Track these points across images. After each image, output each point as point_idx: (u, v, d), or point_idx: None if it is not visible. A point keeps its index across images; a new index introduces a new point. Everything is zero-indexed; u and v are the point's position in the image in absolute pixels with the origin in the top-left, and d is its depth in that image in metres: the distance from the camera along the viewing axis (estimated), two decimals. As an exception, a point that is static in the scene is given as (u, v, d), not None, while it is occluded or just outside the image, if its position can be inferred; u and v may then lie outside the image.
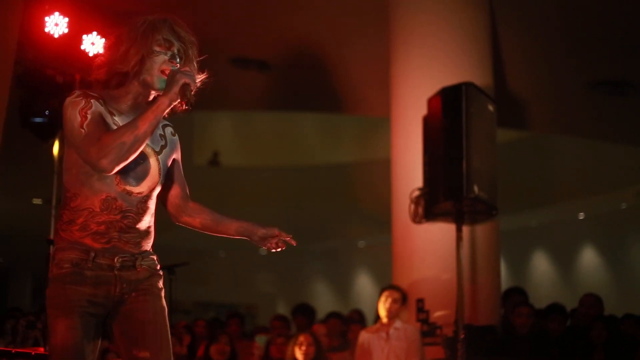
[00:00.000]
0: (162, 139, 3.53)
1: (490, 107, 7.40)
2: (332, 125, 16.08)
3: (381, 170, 10.26)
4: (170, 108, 3.32)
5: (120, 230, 3.39)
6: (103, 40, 9.29)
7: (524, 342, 7.75)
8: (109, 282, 3.40)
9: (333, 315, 9.87)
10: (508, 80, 10.62)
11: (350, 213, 16.99)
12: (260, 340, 9.32)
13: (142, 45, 3.39)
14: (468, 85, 7.18)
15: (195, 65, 3.48)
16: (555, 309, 8.61)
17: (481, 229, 8.04)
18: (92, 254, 3.38)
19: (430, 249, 8.08)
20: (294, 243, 3.55)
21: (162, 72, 3.39)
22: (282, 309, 17.21)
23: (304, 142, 16.61)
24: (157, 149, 3.49)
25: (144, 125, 3.24)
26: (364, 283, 20.68)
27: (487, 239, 8.23)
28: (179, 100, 3.30)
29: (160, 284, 3.55)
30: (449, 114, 7.09)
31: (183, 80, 3.29)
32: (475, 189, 6.86)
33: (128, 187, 3.38)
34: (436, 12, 8.64)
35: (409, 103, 8.42)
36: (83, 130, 3.27)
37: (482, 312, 8.10)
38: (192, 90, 3.30)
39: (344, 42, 10.57)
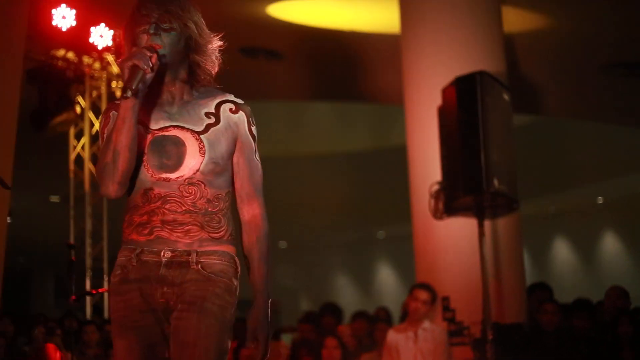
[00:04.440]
0: (209, 117, 3.20)
1: (506, 96, 7.30)
2: (345, 113, 15.97)
3: (396, 158, 10.20)
4: (135, 97, 3.03)
5: (163, 216, 3.11)
6: (112, 32, 9.32)
7: (551, 339, 7.62)
8: (151, 285, 3.09)
9: (359, 315, 9.79)
10: (520, 65, 10.50)
11: (367, 202, 16.92)
12: (286, 338, 9.27)
13: (129, 31, 3.19)
14: (482, 74, 7.07)
15: (192, 23, 3.19)
16: (581, 304, 8.48)
17: (503, 223, 7.92)
18: (137, 250, 3.13)
19: (452, 244, 7.98)
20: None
21: None
22: (305, 304, 17.19)
23: (317, 130, 16.52)
24: (199, 128, 3.16)
25: (117, 135, 3.06)
26: (386, 275, 20.67)
27: (509, 233, 8.13)
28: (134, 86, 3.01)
29: (220, 291, 3.11)
30: (464, 104, 6.98)
31: (129, 64, 3.00)
32: (495, 182, 6.76)
33: (164, 175, 3.12)
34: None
35: (423, 92, 8.30)
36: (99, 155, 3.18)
37: (508, 309, 8.02)
38: (147, 67, 3.01)
39: (356, 29, 10.49)
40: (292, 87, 12.84)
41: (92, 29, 9.41)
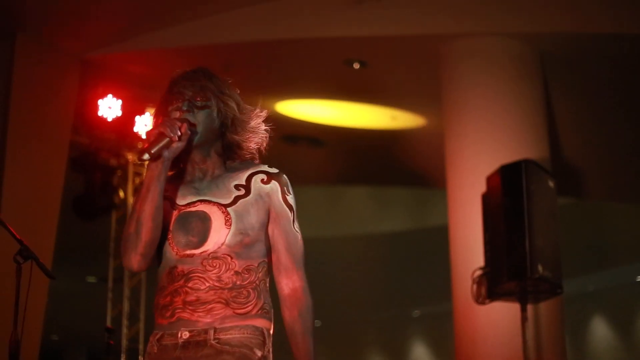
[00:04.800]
0: (238, 189, 3.02)
1: (550, 183, 7.30)
2: (381, 195, 16.06)
3: (432, 239, 10.22)
4: (161, 166, 2.92)
5: (186, 296, 2.91)
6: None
7: None
8: None
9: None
10: (563, 150, 10.52)
11: (403, 282, 16.91)
12: None
13: (162, 111, 3.07)
14: (527, 162, 7.09)
15: (230, 100, 3.06)
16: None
17: (545, 306, 7.88)
18: (159, 335, 2.95)
19: (493, 328, 7.94)
20: None
21: None
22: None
23: (355, 211, 16.59)
24: (226, 201, 2.99)
25: (140, 205, 2.92)
26: (420, 353, 20.50)
27: (551, 316, 8.08)
28: (162, 157, 2.90)
29: (233, 359, 2.86)
30: (509, 192, 6.98)
31: (155, 132, 2.89)
32: (540, 268, 6.73)
33: (188, 251, 2.94)
34: (489, 85, 8.63)
35: (466, 178, 8.38)
36: None
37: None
38: (175, 135, 2.88)
39: (396, 115, 10.59)
40: (331, 172, 12.92)
41: (137, 117, 9.55)
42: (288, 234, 3.05)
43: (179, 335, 2.90)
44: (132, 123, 9.55)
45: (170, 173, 3.06)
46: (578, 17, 8.55)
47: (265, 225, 3.03)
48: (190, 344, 2.88)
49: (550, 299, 7.60)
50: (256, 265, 2.97)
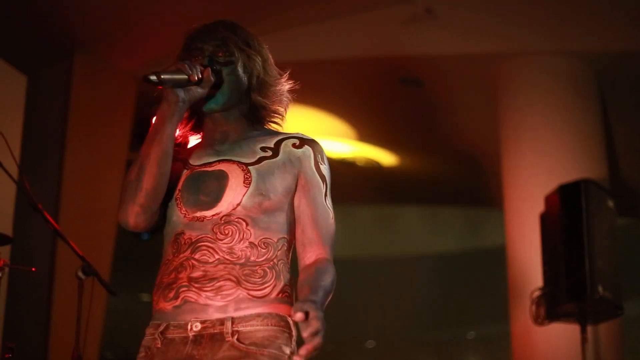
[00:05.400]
0: (264, 150, 2.61)
1: (610, 203, 7.23)
2: (436, 215, 16.02)
3: (487, 260, 10.15)
4: (175, 107, 2.54)
5: (192, 270, 2.44)
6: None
7: None
8: None
9: None
10: (622, 170, 10.41)
11: (458, 303, 16.82)
12: None
13: None
14: (587, 182, 7.04)
15: (258, 56, 2.68)
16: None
17: (605, 328, 7.79)
18: (162, 326, 2.48)
19: (552, 349, 7.86)
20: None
21: None
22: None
23: (407, 232, 16.55)
24: (249, 160, 2.58)
25: (146, 147, 2.54)
26: (476, 378, 20.34)
27: (611, 339, 7.99)
28: (176, 94, 2.53)
29: None
30: (568, 212, 6.93)
31: (172, 67, 2.53)
32: (600, 289, 6.67)
33: (199, 214, 2.50)
34: (547, 104, 8.57)
35: (524, 198, 8.33)
36: None
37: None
38: (195, 74, 2.52)
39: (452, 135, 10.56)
40: (384, 192, 12.90)
41: (192, 137, 9.59)
42: (317, 206, 2.59)
43: (189, 327, 2.43)
44: (188, 142, 9.59)
45: (194, 141, 2.74)
46: (636, 35, 8.47)
47: (292, 193, 2.58)
48: (204, 337, 2.42)
49: (610, 320, 7.53)
50: (275, 240, 2.51)
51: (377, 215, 16.00)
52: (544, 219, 7.39)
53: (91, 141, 8.51)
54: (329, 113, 10.04)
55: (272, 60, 2.73)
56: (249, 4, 8.13)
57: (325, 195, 2.61)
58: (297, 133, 2.69)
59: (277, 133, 2.71)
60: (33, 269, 4.81)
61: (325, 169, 2.64)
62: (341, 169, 10.97)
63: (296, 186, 2.58)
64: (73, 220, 7.99)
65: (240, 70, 2.62)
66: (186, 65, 2.50)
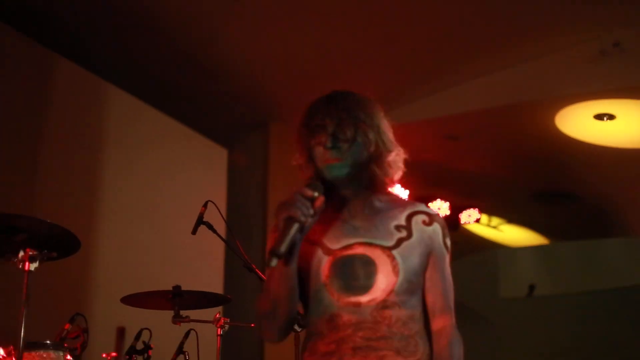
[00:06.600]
0: (399, 230, 2.77)
1: None
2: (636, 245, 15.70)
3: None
4: (296, 248, 2.63)
5: (355, 344, 2.65)
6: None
7: None
8: None
9: None
10: None
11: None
12: None
13: (302, 142, 2.78)
14: None
15: (377, 129, 2.77)
16: None
17: None
18: None
19: None
20: None
21: (326, 162, 2.73)
22: None
23: (609, 264, 16.27)
24: (389, 244, 2.74)
25: (275, 286, 2.67)
26: None
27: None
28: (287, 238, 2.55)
29: None
30: None
31: (283, 215, 2.58)
32: None
33: (353, 299, 2.69)
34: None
35: None
36: None
37: None
38: (307, 216, 2.58)
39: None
40: (585, 225, 12.76)
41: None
42: (445, 279, 2.81)
43: None
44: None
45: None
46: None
47: (425, 269, 2.79)
48: None
49: None
50: (418, 314, 2.75)
51: (578, 249, 15.80)
52: None
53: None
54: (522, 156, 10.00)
55: (389, 129, 2.84)
56: (435, 62, 8.40)
57: (448, 264, 2.84)
58: (420, 204, 2.88)
59: (401, 203, 2.88)
60: (252, 325, 4.75)
61: (448, 241, 2.85)
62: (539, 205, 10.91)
63: (428, 261, 2.79)
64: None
65: (362, 145, 2.73)
66: (298, 212, 2.57)
